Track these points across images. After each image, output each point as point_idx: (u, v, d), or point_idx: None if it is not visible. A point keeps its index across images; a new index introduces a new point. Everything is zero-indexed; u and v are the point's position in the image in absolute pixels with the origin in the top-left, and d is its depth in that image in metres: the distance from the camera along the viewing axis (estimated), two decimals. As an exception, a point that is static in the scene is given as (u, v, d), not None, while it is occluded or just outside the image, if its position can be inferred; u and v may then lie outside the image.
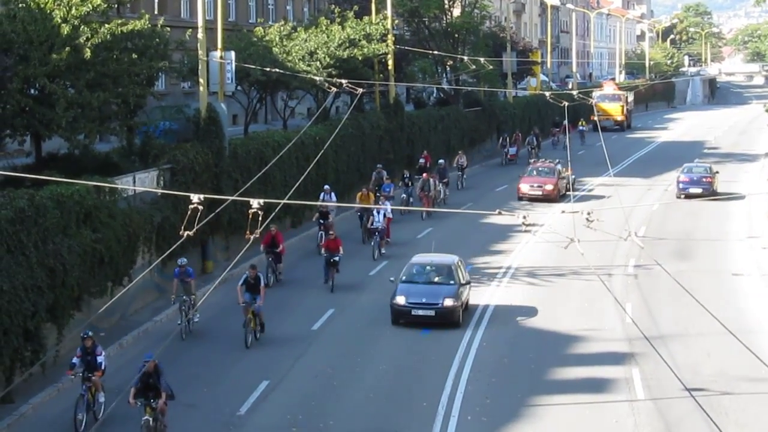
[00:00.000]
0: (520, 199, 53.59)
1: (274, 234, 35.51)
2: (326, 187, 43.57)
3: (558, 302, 34.02)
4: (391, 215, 42.51)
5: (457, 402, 24.54)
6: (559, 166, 55.64)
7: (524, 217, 18.44)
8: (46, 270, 25.62)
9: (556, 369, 27.28)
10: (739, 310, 32.51)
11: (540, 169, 55.97)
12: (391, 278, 32.70)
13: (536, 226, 43.97)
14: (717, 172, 58.29)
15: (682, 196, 55.53)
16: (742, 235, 45.03)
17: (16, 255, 24.51)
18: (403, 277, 32.15)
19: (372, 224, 41.04)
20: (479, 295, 34.51)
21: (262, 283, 29.91)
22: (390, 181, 49.37)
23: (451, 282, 31.72)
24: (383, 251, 40.80)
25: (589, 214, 17.87)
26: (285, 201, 28.91)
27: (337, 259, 35.26)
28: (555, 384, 26.25)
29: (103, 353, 23.94)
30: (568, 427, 23.49)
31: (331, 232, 36.90)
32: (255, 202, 18.79)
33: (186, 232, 18.78)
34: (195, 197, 18.19)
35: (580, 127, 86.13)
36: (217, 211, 25.97)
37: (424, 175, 51.67)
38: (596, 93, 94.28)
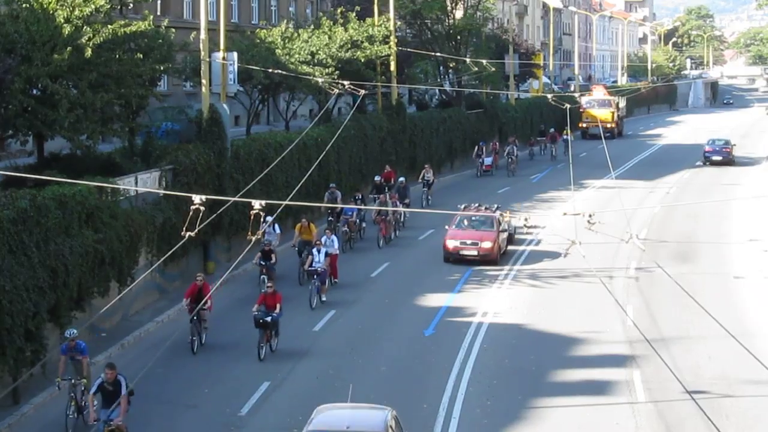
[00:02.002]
0: (447, 259, 40.10)
1: (201, 285, 28.77)
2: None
3: (559, 304, 34.02)
4: (337, 251, 36.02)
5: (458, 404, 24.53)
6: (497, 213, 41.84)
7: (526, 219, 18.46)
8: (48, 270, 25.64)
9: (557, 371, 27.28)
10: (740, 313, 32.49)
11: (474, 219, 41.33)
12: None
13: (537, 228, 44.06)
14: (734, 144, 76.39)
15: (707, 163, 73.42)
16: (743, 237, 45.01)
17: (18, 255, 24.52)
18: None
19: (311, 265, 33.88)
20: (481, 298, 34.55)
21: (124, 390, 21.56)
22: (355, 203, 43.48)
23: None
24: (324, 298, 33.72)
25: (590, 216, 17.90)
26: (287, 202, 28.99)
27: (269, 320, 27.90)
28: (556, 386, 26.25)
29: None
30: (569, 429, 23.48)
31: (269, 284, 29.77)
32: (257, 203, 18.83)
33: (188, 233, 18.81)
34: (197, 198, 18.23)
35: (565, 137, 76.51)
36: (219, 212, 25.97)
37: (381, 196, 46.71)
38: (584, 98, 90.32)
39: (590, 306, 33.27)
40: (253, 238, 21.12)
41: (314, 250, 34.22)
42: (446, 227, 40.60)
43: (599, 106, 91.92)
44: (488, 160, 67.03)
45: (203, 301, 27.15)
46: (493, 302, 34.13)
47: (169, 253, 26.21)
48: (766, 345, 28.29)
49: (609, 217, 36.48)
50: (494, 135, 75.74)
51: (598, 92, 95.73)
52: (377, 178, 48.90)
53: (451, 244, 39.83)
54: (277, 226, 36.25)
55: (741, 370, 26.00)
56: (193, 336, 28.19)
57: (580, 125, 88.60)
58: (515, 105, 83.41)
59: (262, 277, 34.02)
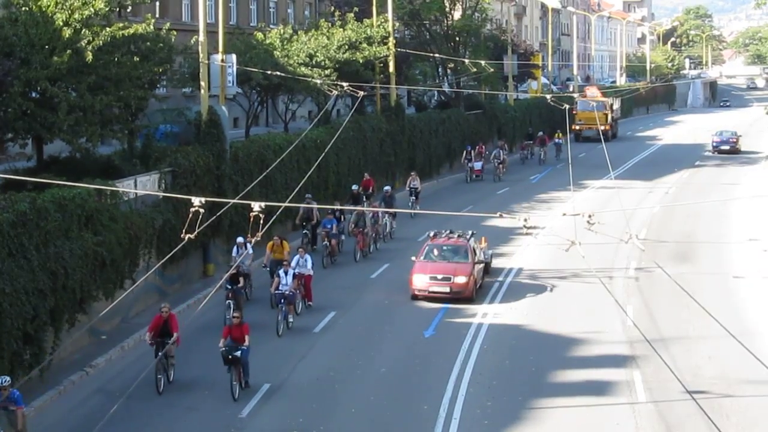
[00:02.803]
0: (415, 297, 34.12)
1: (167, 317, 25.74)
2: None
3: (559, 305, 34.03)
4: (311, 271, 33.23)
5: (458, 405, 24.53)
6: (472, 241, 36.09)
7: (525, 220, 18.46)
8: (47, 273, 25.65)
9: (557, 372, 27.29)
10: (740, 313, 32.51)
11: (444, 248, 35.66)
12: None
13: (537, 229, 44.01)
14: (740, 136, 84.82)
15: (716, 152, 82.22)
16: (742, 237, 45.03)
17: (18, 258, 24.54)
18: None
19: (277, 288, 31.05)
20: (481, 298, 34.55)
21: None
22: (332, 216, 40.28)
23: None
24: (291, 322, 31.03)
25: (590, 216, 17.90)
26: (286, 204, 28.99)
27: (238, 354, 24.84)
28: (556, 387, 26.26)
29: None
30: (569, 429, 23.48)
31: (236, 314, 26.42)
32: (256, 205, 18.85)
33: (187, 235, 18.82)
34: (196, 200, 18.24)
35: (556, 140, 77.42)
36: (218, 214, 25.99)
37: (359, 207, 42.56)
38: (577, 100, 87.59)
39: (590, 306, 33.28)
40: (253, 240, 21.13)
41: (281, 272, 31.47)
42: (412, 258, 35.38)
43: (592, 108, 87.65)
44: (478, 165, 64.83)
45: (172, 340, 25.03)
46: (493, 303, 34.13)
47: (169, 255, 26.21)
48: (766, 344, 28.32)
49: (608, 217, 36.42)
50: (493, 136, 75.75)
51: (592, 93, 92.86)
52: (355, 188, 45.91)
53: (419, 280, 33.89)
54: (249, 244, 32.87)
55: (741, 370, 26.01)
56: (159, 374, 25.08)
57: (573, 128, 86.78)
58: (514, 106, 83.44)
59: (228, 302, 30.85)
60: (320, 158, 40.54)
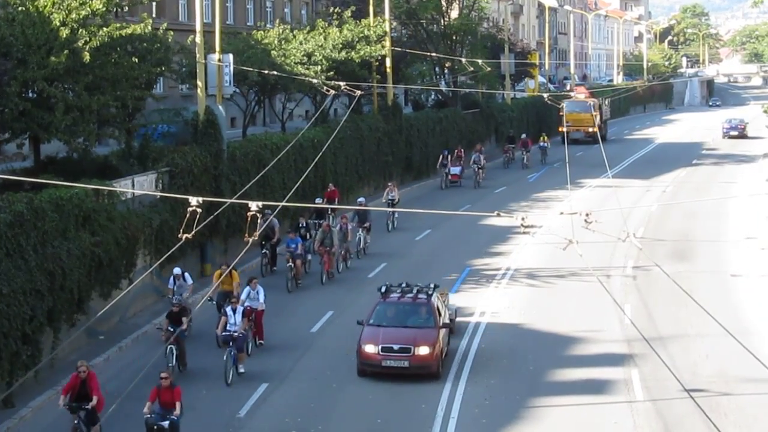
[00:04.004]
0: (362, 372, 26.66)
1: (85, 377, 21.69)
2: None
3: (557, 304, 34.03)
4: (263, 305, 29.01)
5: (456, 404, 24.54)
6: (435, 298, 28.13)
7: (523, 219, 18.45)
8: (45, 274, 25.65)
9: (555, 370, 27.29)
10: (738, 311, 32.51)
11: (401, 309, 27.87)
12: None
13: (534, 228, 44.00)
14: (748, 123, 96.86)
15: (726, 137, 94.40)
16: (740, 236, 45.05)
17: (15, 259, 24.54)
18: None
19: (225, 328, 26.94)
20: (479, 297, 34.55)
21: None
22: (295, 234, 36.77)
23: None
24: (242, 370, 26.48)
25: (587, 215, 17.89)
26: (283, 203, 28.98)
27: (166, 425, 21.24)
28: (554, 385, 26.26)
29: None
30: (567, 428, 23.49)
31: (164, 375, 21.88)
32: (253, 205, 18.83)
33: (185, 235, 18.80)
34: (193, 200, 18.22)
35: (541, 143, 74.80)
36: (215, 213, 26.02)
37: (325, 224, 37.96)
38: (565, 100, 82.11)
39: (588, 305, 33.28)
40: (250, 240, 21.13)
41: (228, 309, 27.18)
42: (359, 323, 27.69)
43: (580, 109, 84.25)
44: (456, 170, 60.99)
45: (90, 405, 21.35)
46: (491, 301, 34.14)
47: (166, 255, 26.22)
48: (764, 343, 28.35)
49: (606, 216, 36.23)
50: (490, 135, 75.71)
51: (579, 94, 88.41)
52: (318, 200, 42.13)
53: (369, 350, 26.45)
54: (187, 275, 30.23)
55: (739, 368, 26.03)
56: None
57: (560, 129, 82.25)
58: (511, 105, 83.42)
59: (168, 347, 26.13)
60: (317, 158, 40.52)
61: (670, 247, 42.83)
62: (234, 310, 27.15)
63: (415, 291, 28.29)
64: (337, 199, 44.56)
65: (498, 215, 20.42)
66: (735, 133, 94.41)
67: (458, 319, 30.69)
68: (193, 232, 19.01)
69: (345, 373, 26.82)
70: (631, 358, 27.91)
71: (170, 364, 25.92)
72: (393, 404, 24.68)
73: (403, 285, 28.86)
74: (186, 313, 27.32)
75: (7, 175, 27.84)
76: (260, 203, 19.07)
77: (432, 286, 28.64)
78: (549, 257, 39.11)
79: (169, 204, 33.13)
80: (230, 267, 29.52)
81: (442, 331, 27.23)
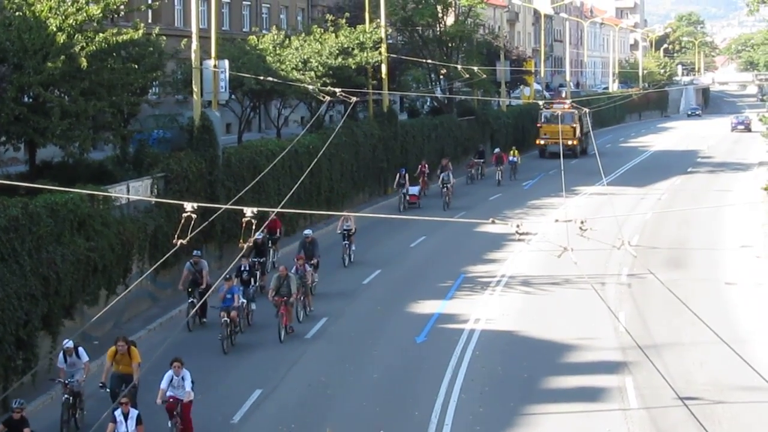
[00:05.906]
0: None
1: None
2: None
3: (551, 311, 34.02)
4: (191, 395, 22.38)
5: (450, 411, 24.52)
6: None
7: (518, 226, 18.45)
8: (39, 278, 25.65)
9: (549, 378, 27.29)
10: (732, 319, 32.52)
11: None
12: None
13: (529, 235, 44.01)
14: (751, 120, 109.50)
15: (733, 131, 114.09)
16: (735, 244, 45.09)
17: (10, 263, 24.54)
18: None
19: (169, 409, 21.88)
20: (473, 304, 34.54)
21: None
22: (231, 283, 29.97)
23: None
24: None
25: (582, 223, 17.90)
26: (278, 209, 29.00)
27: None
28: (548, 393, 26.25)
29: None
30: (561, 435, 23.50)
31: None
32: (248, 211, 18.83)
33: (179, 241, 18.81)
34: (188, 206, 18.22)
35: (512, 158, 69.17)
36: (210, 219, 25.97)
37: (281, 268, 31.13)
38: (542, 112, 78.87)
39: (582, 313, 33.27)
40: (245, 246, 21.13)
41: (118, 415, 20.11)
42: None
43: (559, 121, 77.03)
44: (414, 189, 54.58)
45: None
46: (486, 309, 34.12)
47: (161, 261, 26.20)
48: (758, 351, 28.34)
49: (601, 223, 36.37)
50: (486, 142, 75.75)
51: (558, 104, 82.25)
52: (259, 236, 33.62)
53: None
54: (82, 350, 23.61)
55: (733, 377, 26.02)
56: None
57: (537, 142, 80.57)
58: (506, 112, 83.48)
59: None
60: (312, 164, 40.52)
61: (665, 255, 42.85)
62: (126, 415, 20.11)
63: None
64: (279, 231, 38.73)
65: (493, 222, 20.41)
66: (741, 127, 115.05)
67: (452, 326, 30.77)
68: (188, 238, 19.02)
69: (339, 378, 26.80)
70: (625, 366, 27.90)
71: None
72: (386, 411, 24.66)
73: None
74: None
75: (2, 179, 27.79)
76: (255, 209, 19.07)
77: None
78: (544, 264, 39.10)
79: (164, 210, 33.13)
80: (127, 341, 23.60)
81: None
